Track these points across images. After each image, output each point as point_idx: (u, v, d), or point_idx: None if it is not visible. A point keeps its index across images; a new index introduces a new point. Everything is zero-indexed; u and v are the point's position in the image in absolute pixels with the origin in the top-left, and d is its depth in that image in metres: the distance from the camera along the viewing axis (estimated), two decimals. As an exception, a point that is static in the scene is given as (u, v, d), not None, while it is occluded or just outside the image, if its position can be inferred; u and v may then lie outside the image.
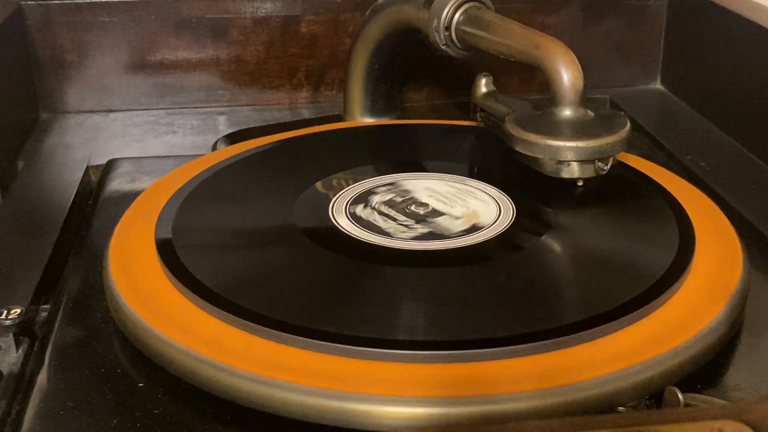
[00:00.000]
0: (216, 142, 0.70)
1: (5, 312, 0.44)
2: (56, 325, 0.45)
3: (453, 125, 0.66)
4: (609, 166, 0.51)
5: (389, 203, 0.52)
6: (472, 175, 0.56)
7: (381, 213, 0.51)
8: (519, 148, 0.52)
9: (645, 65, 0.82)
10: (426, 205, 0.52)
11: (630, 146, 0.53)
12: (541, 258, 0.47)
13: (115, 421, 0.38)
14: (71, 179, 0.63)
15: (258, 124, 0.74)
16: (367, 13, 0.67)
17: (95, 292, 0.47)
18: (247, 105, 0.79)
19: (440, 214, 0.51)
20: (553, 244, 0.48)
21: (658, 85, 0.82)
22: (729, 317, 0.42)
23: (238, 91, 0.78)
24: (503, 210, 0.51)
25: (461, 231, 0.49)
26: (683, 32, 0.78)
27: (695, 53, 0.76)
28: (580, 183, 0.52)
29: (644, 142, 0.70)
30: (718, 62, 0.72)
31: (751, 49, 0.67)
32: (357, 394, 0.37)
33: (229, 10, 0.76)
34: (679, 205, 0.51)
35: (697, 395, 0.38)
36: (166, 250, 0.46)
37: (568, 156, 0.50)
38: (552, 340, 0.39)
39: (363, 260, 0.46)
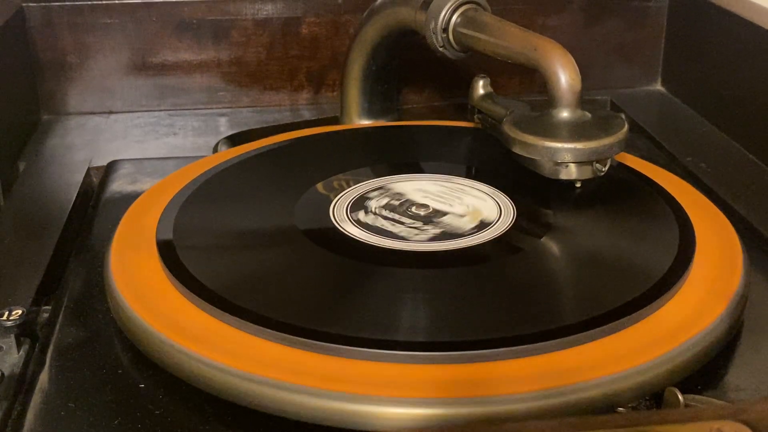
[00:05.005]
0: (217, 144, 0.71)
1: (6, 313, 0.44)
2: (57, 326, 0.45)
3: (451, 127, 0.66)
4: (607, 168, 0.52)
5: (388, 205, 0.52)
6: (470, 176, 0.56)
7: (381, 214, 0.51)
8: (517, 150, 0.52)
9: (646, 67, 0.82)
10: (426, 206, 0.52)
11: (630, 147, 0.53)
12: (541, 259, 0.47)
13: (116, 422, 0.38)
14: (72, 181, 0.63)
15: (259, 126, 0.74)
16: (365, 15, 0.67)
17: (96, 293, 0.48)
18: (248, 106, 0.79)
19: (440, 213, 0.51)
20: (553, 245, 0.48)
21: (658, 87, 0.82)
22: (729, 318, 0.42)
23: (239, 92, 0.79)
24: (503, 210, 0.51)
25: (461, 230, 0.49)
26: (684, 34, 0.78)
27: (696, 55, 0.76)
28: (578, 184, 0.52)
29: (645, 143, 0.69)
30: (718, 64, 0.72)
31: (752, 50, 0.67)
32: (358, 395, 0.37)
33: (230, 12, 0.76)
34: (680, 206, 0.51)
35: (697, 396, 0.38)
36: (167, 251, 0.47)
37: (566, 157, 0.51)
38: (552, 341, 0.39)
39: (363, 261, 0.46)
